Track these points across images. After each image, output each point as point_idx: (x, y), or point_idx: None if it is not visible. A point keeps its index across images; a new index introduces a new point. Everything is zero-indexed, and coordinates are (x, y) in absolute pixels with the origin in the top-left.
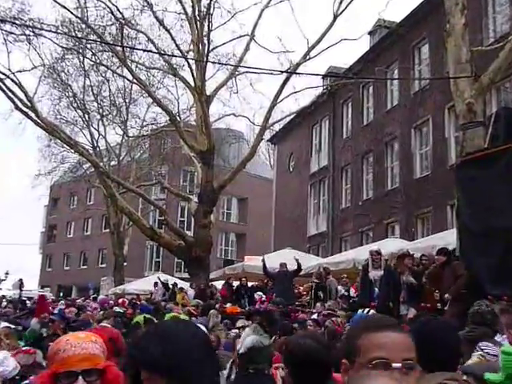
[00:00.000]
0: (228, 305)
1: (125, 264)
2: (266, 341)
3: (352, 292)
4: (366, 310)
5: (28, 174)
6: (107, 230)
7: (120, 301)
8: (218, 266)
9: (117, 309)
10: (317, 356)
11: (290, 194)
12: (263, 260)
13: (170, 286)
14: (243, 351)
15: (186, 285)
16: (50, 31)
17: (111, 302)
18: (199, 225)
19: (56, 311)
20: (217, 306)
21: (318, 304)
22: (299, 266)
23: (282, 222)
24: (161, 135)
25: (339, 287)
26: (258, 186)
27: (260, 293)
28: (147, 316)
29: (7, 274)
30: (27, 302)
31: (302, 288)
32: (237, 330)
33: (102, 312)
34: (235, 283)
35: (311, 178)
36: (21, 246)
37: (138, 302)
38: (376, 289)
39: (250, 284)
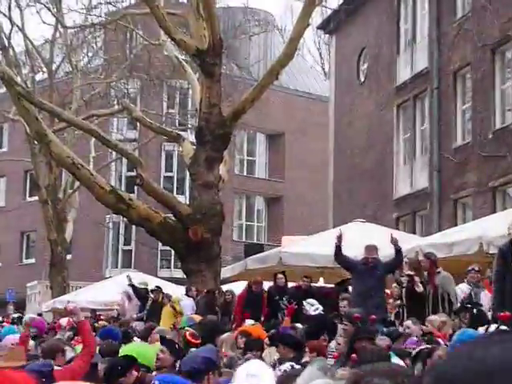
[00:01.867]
0: (248, 322)
1: (69, 257)
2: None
3: (483, 295)
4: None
5: None
6: (35, 198)
7: (63, 322)
8: (236, 257)
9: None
10: None
11: (360, 125)
12: (339, 237)
13: (151, 295)
14: None
15: (178, 291)
16: None
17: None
18: (200, 184)
19: None
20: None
21: (410, 321)
22: (398, 249)
23: (346, 175)
24: (124, 24)
25: (464, 286)
26: (302, 110)
27: (313, 301)
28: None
29: None
30: None
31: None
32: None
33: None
34: (268, 285)
35: (399, 94)
36: None
37: (97, 324)
38: None
39: (291, 285)
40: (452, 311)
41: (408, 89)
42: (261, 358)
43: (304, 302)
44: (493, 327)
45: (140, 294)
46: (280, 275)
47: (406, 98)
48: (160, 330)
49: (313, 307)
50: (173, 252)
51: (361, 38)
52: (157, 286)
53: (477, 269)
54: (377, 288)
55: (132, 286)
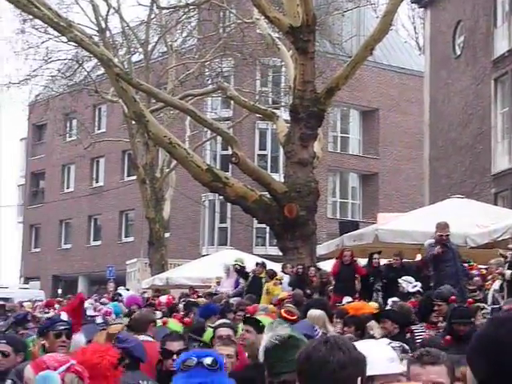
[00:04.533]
0: (345, 300)
1: (167, 236)
2: (285, 331)
3: None
4: None
5: None
6: (133, 178)
7: (164, 299)
8: (331, 234)
9: (156, 315)
10: None
11: (456, 99)
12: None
13: (250, 273)
14: (263, 359)
15: (275, 268)
16: None
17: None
18: (294, 161)
19: None
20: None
21: None
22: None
23: (443, 150)
24: (218, 3)
25: None
26: (396, 86)
27: (409, 278)
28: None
29: None
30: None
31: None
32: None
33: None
34: (362, 261)
35: (497, 68)
36: None
37: (194, 299)
38: None
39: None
40: None
41: (506, 62)
42: (363, 334)
43: (400, 280)
44: None
45: (238, 270)
46: (376, 255)
47: (503, 71)
48: (264, 308)
49: (411, 284)
50: (268, 229)
51: (456, 10)
52: (262, 262)
53: None
54: (451, 262)
55: (235, 268)
